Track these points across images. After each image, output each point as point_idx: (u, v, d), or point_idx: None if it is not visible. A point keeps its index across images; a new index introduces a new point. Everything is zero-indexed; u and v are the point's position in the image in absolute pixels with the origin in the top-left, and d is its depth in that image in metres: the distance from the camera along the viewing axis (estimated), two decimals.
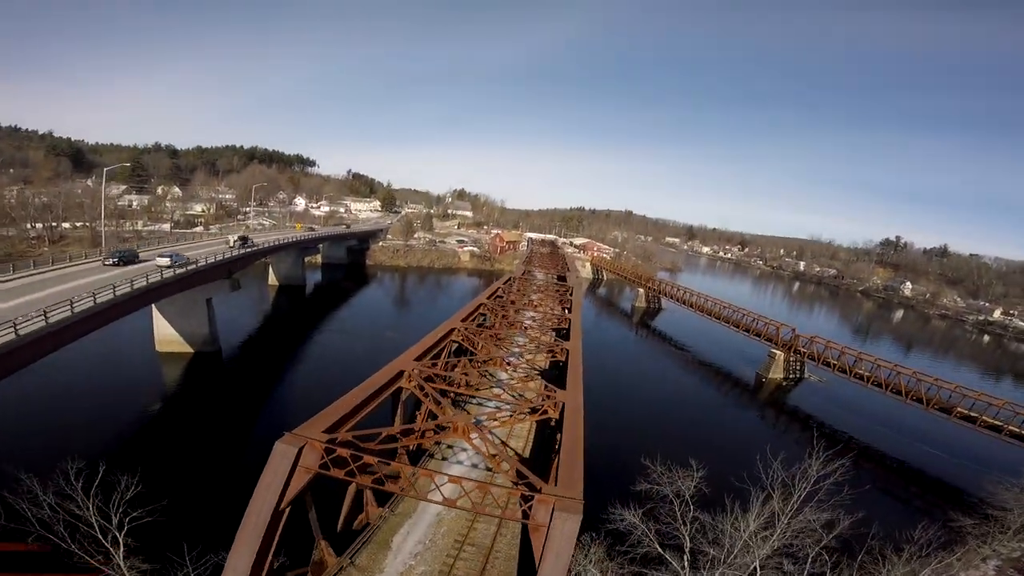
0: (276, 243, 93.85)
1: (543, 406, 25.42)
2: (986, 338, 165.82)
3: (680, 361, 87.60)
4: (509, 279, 65.44)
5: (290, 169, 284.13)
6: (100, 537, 20.10)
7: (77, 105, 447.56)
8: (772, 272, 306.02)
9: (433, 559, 22.94)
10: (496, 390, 32.01)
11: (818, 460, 22.53)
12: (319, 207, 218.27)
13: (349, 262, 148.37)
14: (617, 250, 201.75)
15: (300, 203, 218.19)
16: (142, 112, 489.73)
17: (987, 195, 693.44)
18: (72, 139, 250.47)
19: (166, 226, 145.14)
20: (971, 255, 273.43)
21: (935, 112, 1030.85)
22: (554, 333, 47.68)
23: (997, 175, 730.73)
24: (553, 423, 25.41)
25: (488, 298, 49.41)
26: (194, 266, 58.01)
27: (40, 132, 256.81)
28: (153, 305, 58.30)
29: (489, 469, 26.72)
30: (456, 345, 37.12)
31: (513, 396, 30.42)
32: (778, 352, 76.63)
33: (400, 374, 26.08)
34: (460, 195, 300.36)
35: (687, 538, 22.48)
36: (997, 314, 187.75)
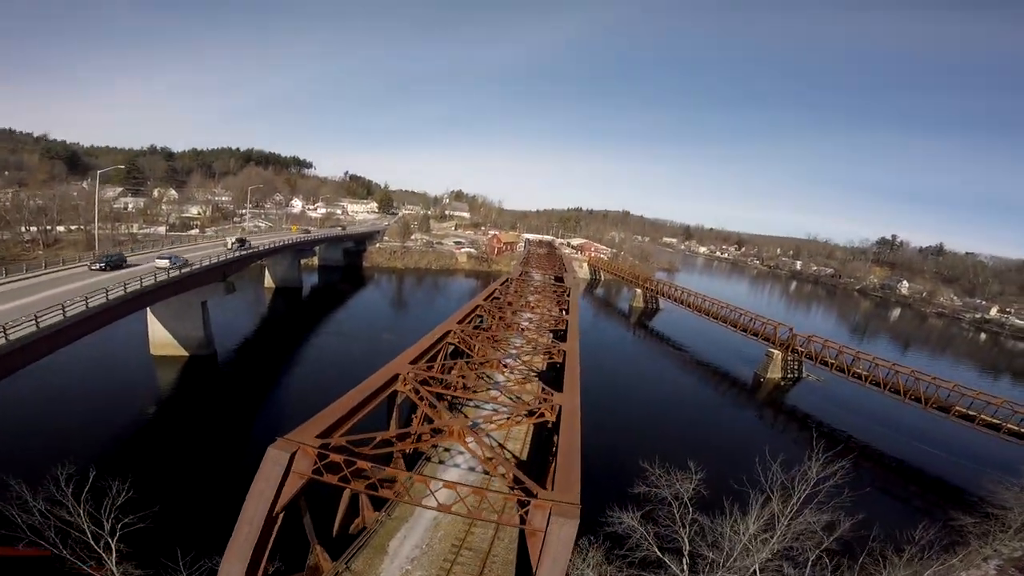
0: (272, 246, 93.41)
1: (540, 409, 25.18)
2: (983, 336, 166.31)
3: (678, 361, 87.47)
4: (506, 280, 65.21)
5: (287, 171, 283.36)
6: (92, 543, 19.85)
7: (73, 107, 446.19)
8: (769, 271, 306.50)
9: (430, 564, 22.67)
10: (493, 393, 31.76)
11: (818, 462, 22.32)
12: (316, 209, 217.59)
13: (346, 264, 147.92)
14: (614, 250, 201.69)
15: (297, 205, 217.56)
16: (138, 114, 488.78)
17: (982, 194, 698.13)
18: (67, 142, 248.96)
19: (162, 229, 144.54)
20: (967, 253, 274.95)
21: (930, 112, 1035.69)
22: (551, 334, 47.43)
23: (992, 174, 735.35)
24: (550, 425, 25.16)
25: (485, 300, 49.14)
26: (188, 269, 57.74)
27: (35, 135, 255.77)
28: (148, 308, 57.93)
29: (486, 473, 26.45)
30: (452, 347, 36.80)
31: (510, 399, 30.21)
32: (776, 352, 76.55)
33: (395, 377, 25.78)
34: (457, 196, 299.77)
35: (686, 541, 22.25)
36: (993, 312, 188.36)
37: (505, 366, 35.39)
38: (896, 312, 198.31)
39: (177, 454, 40.70)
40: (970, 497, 44.58)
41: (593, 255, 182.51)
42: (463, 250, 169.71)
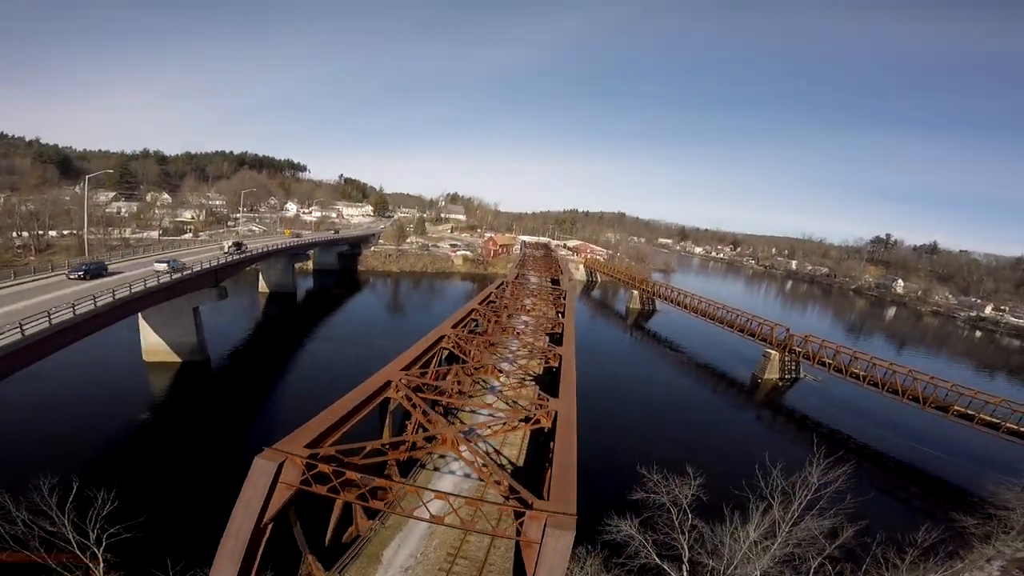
0: (265, 250, 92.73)
1: (535, 415, 24.71)
2: (978, 334, 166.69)
3: (675, 363, 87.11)
4: (502, 283, 64.76)
5: (281, 174, 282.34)
6: (79, 553, 19.41)
7: (65, 111, 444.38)
8: (764, 271, 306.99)
9: (425, 573, 22.18)
10: (488, 399, 31.27)
11: (819, 467, 21.92)
12: (310, 213, 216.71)
13: (341, 268, 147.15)
14: (610, 252, 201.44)
15: (291, 208, 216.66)
16: (131, 118, 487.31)
17: (976, 193, 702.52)
18: (59, 146, 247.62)
19: (155, 233, 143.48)
20: (961, 252, 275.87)
21: (922, 112, 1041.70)
22: (547, 338, 46.98)
23: (985, 173, 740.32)
24: (546, 431, 24.68)
25: (480, 303, 48.62)
26: (179, 275, 56.86)
27: (27, 139, 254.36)
28: (139, 314, 57.24)
29: (481, 480, 25.94)
30: (447, 352, 36.31)
31: (506, 404, 29.71)
32: (773, 352, 76.27)
33: (387, 384, 25.24)
34: (453, 199, 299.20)
35: (685, 548, 21.85)
36: (988, 310, 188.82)
37: (500, 371, 34.87)
38: (891, 311, 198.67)
39: (168, 462, 40.06)
40: (971, 498, 44.23)
41: (589, 257, 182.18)
42: (459, 253, 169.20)
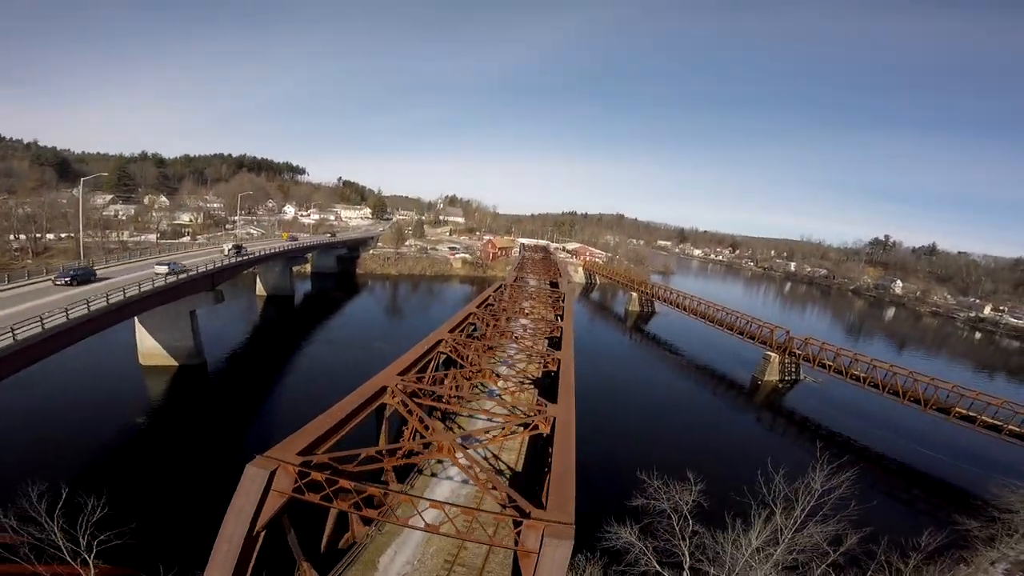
0: (262, 253, 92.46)
1: (533, 421, 24.37)
2: (977, 335, 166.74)
3: (675, 365, 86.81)
4: (500, 287, 64.43)
5: (279, 177, 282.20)
6: (70, 560, 19.08)
7: (63, 113, 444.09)
8: (763, 273, 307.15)
9: None
10: (486, 404, 30.88)
11: (822, 473, 21.56)
12: (309, 215, 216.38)
13: (339, 271, 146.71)
14: (609, 254, 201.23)
15: (290, 211, 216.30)
16: (129, 121, 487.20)
17: (974, 194, 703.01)
18: (57, 148, 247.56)
19: (152, 236, 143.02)
20: (959, 253, 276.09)
21: (920, 112, 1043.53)
22: (546, 341, 46.67)
23: (983, 174, 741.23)
24: (545, 436, 24.34)
25: (478, 307, 48.29)
26: (174, 279, 56.42)
27: (25, 141, 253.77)
28: (136, 318, 56.88)
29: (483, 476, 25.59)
30: (444, 357, 35.96)
31: (504, 410, 29.35)
32: (773, 354, 76.01)
33: (383, 390, 24.87)
34: (452, 201, 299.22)
35: (686, 555, 21.48)
36: (987, 310, 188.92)
37: (499, 376, 34.54)
38: (890, 312, 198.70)
39: (162, 467, 39.58)
40: (974, 501, 43.91)
41: (588, 259, 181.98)
42: (458, 256, 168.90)
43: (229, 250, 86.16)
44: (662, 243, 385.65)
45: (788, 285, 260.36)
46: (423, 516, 16.61)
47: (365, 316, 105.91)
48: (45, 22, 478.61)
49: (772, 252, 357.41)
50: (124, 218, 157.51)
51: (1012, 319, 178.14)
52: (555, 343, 44.83)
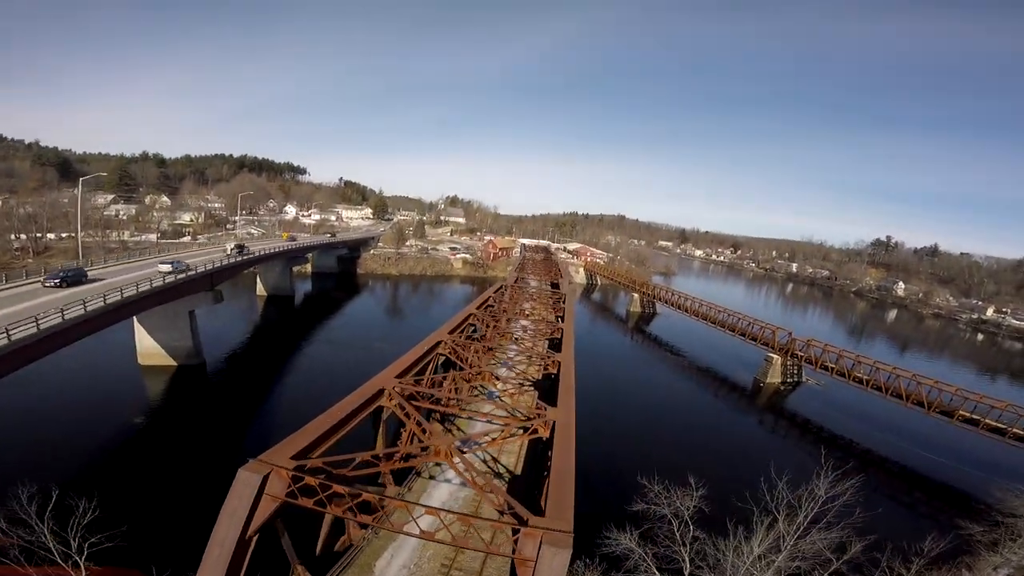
0: (262, 253, 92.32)
1: (533, 425, 24.03)
2: (980, 337, 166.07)
3: (676, 366, 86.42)
4: (500, 287, 64.04)
5: (281, 177, 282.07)
6: (60, 562, 18.85)
7: (65, 114, 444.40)
8: (765, 274, 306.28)
9: None
10: (485, 407, 30.53)
11: (827, 479, 21.18)
12: (310, 215, 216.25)
13: (340, 271, 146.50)
14: (611, 255, 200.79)
15: (291, 211, 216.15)
16: (130, 121, 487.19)
17: (976, 194, 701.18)
18: (59, 148, 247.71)
19: (153, 236, 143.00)
20: (962, 254, 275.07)
21: (922, 113, 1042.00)
22: (547, 343, 46.33)
23: (986, 174, 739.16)
24: (544, 440, 24.01)
25: (478, 308, 47.93)
26: (171, 280, 56.14)
27: (27, 141, 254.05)
28: (135, 318, 56.72)
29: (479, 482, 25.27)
30: (443, 358, 35.61)
31: (503, 412, 29.03)
32: (775, 356, 75.58)
33: (380, 393, 24.53)
34: (453, 201, 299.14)
35: (687, 562, 21.15)
36: (990, 312, 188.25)
37: (498, 378, 34.22)
38: (893, 313, 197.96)
39: (159, 467, 39.32)
40: (977, 504, 43.49)
41: (589, 260, 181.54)
42: (458, 256, 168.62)
43: (231, 250, 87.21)
44: (663, 244, 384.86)
45: (790, 286, 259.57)
46: (418, 523, 16.28)
47: (365, 316, 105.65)
48: (48, 22, 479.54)
49: (774, 253, 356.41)
50: (125, 218, 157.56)
51: (1014, 321, 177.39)
52: (556, 345, 44.47)
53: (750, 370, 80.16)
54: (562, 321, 50.95)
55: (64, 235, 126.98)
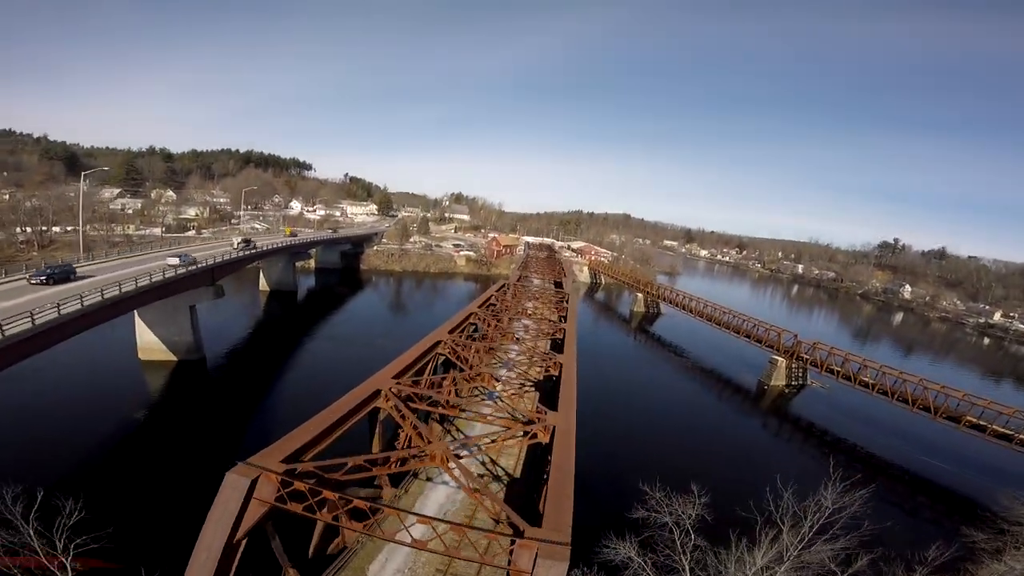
0: (264, 248, 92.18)
1: (532, 429, 23.52)
2: (986, 341, 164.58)
3: (680, 368, 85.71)
4: (503, 286, 63.51)
5: (286, 173, 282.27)
6: (47, 563, 18.50)
7: (73, 109, 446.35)
8: (770, 275, 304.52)
9: None
10: (485, 409, 29.99)
11: (835, 490, 20.57)
12: (314, 211, 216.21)
13: (343, 267, 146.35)
14: (615, 254, 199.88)
15: (296, 207, 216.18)
16: (138, 116, 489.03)
17: (985, 197, 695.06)
18: (67, 143, 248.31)
19: (158, 230, 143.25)
20: (970, 257, 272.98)
21: (931, 114, 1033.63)
22: (549, 343, 45.80)
23: (995, 177, 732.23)
24: (544, 444, 23.51)
25: (479, 307, 47.40)
26: (166, 277, 55.62)
27: (35, 136, 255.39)
28: (135, 312, 56.61)
29: (477, 490, 24.79)
30: (443, 358, 35.11)
31: (503, 415, 28.51)
32: (780, 359, 74.78)
33: (376, 394, 24.05)
34: (457, 198, 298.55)
35: (687, 571, 20.59)
36: (997, 317, 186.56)
37: (498, 380, 33.71)
38: (899, 317, 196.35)
39: (155, 465, 38.92)
40: (983, 512, 42.67)
41: (593, 259, 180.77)
42: (462, 253, 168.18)
43: (238, 244, 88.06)
44: (668, 243, 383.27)
45: (795, 288, 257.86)
46: (410, 531, 15.82)
47: (368, 313, 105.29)
48: (57, 18, 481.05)
49: (779, 254, 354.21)
50: (131, 212, 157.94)
51: (1021, 325, 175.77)
52: (558, 345, 43.92)
53: (754, 372, 79.38)
54: (565, 321, 50.36)
55: (70, 228, 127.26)
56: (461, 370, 33.78)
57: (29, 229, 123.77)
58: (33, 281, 46.88)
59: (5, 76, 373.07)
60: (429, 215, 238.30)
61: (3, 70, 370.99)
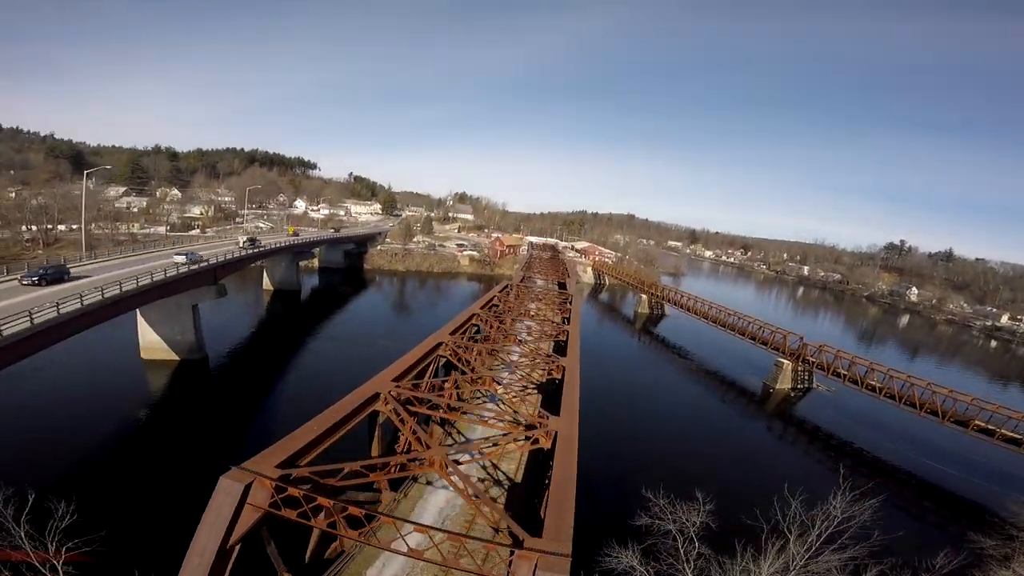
0: (269, 247, 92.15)
1: (534, 435, 23.08)
2: (994, 344, 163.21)
3: (684, 370, 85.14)
4: (506, 286, 63.02)
5: (291, 172, 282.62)
6: (38, 565, 18.32)
7: (78, 108, 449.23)
8: (776, 276, 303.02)
9: None
10: (486, 413, 29.57)
11: (844, 499, 20.08)
12: (319, 210, 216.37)
13: (347, 266, 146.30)
14: (619, 254, 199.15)
15: (300, 206, 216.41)
16: (143, 114, 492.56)
17: (992, 199, 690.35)
18: (73, 141, 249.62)
19: (163, 229, 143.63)
20: (977, 259, 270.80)
21: (938, 115, 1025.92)
22: (552, 345, 45.32)
23: (1002, 179, 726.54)
24: (546, 450, 23.07)
25: (482, 308, 46.92)
26: (175, 271, 56.06)
27: (41, 134, 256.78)
28: (138, 311, 56.54)
29: (476, 497, 24.36)
30: (444, 360, 34.69)
31: (504, 419, 28.11)
32: (786, 361, 74.12)
33: (375, 397, 23.65)
34: (461, 198, 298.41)
35: None
36: (1005, 319, 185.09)
37: (499, 383, 33.26)
38: (905, 319, 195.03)
39: (153, 466, 38.71)
40: (991, 517, 42.12)
41: (597, 259, 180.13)
42: (465, 253, 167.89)
43: (244, 242, 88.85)
44: (673, 244, 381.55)
45: (801, 289, 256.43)
46: (406, 540, 15.43)
47: (371, 312, 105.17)
48: (63, 17, 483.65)
49: (785, 255, 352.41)
50: (136, 210, 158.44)
51: None
52: (561, 347, 43.45)
53: (759, 375, 78.74)
54: (568, 323, 49.86)
55: (75, 227, 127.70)
56: (463, 372, 33.35)
57: (35, 227, 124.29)
58: (25, 282, 45.45)
59: (12, 75, 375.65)
60: (433, 215, 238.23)
61: (10, 69, 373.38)
